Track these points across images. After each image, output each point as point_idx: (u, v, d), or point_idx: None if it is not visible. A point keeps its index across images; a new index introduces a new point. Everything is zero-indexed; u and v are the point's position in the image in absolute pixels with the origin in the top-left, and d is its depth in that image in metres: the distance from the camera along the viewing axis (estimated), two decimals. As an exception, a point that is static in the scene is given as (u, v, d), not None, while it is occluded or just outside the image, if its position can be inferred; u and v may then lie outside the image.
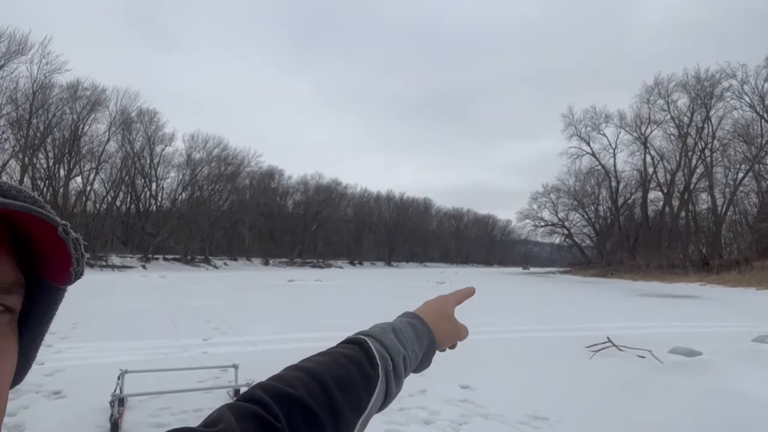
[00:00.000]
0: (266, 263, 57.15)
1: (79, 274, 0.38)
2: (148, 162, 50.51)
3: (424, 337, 0.78)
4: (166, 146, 49.97)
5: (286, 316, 12.00)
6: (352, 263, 74.14)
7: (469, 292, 0.91)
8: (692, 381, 6.14)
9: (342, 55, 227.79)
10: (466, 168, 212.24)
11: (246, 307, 14.05)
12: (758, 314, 14.99)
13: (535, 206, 62.14)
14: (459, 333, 0.83)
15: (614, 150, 54.45)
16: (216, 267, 47.69)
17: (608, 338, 8.30)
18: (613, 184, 55.90)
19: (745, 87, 41.54)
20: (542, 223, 62.35)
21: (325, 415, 0.60)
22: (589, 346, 8.12)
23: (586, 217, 60.01)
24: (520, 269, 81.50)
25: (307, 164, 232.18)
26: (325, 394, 0.62)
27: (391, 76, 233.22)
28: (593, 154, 55.24)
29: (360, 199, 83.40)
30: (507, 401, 5.20)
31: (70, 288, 0.42)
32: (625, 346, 7.94)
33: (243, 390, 4.96)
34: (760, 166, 40.85)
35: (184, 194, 52.51)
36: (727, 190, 44.55)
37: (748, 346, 8.60)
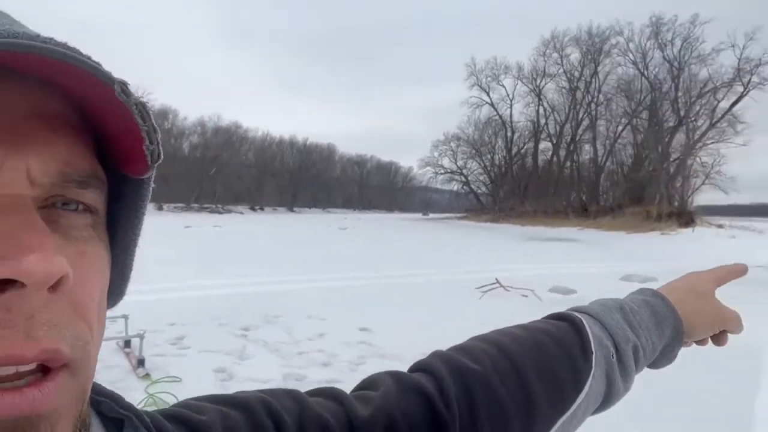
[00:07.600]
0: (160, 208, 54.23)
1: (155, 155, 0.29)
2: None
3: (667, 322, 0.59)
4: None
5: (182, 264, 11.58)
6: (252, 209, 72.52)
7: (736, 270, 0.67)
8: (567, 316, 6.82)
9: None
10: (371, 113, 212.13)
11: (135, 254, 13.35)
12: (627, 256, 16.81)
13: (436, 154, 63.97)
14: (722, 319, 0.62)
15: (511, 101, 56.83)
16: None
17: (496, 279, 8.91)
18: (509, 134, 58.71)
19: (630, 45, 44.57)
20: (442, 171, 64.50)
21: (516, 405, 0.47)
22: (479, 287, 8.67)
23: (482, 165, 62.79)
24: (420, 215, 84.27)
25: (204, 105, 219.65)
26: (519, 379, 0.48)
27: (292, 7, 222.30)
28: (492, 105, 57.37)
29: (262, 143, 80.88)
30: (402, 341, 5.46)
31: None
32: (511, 287, 8.58)
33: (134, 341, 4.78)
34: (637, 120, 44.71)
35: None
36: (607, 141, 48.46)
37: (615, 284, 9.65)
